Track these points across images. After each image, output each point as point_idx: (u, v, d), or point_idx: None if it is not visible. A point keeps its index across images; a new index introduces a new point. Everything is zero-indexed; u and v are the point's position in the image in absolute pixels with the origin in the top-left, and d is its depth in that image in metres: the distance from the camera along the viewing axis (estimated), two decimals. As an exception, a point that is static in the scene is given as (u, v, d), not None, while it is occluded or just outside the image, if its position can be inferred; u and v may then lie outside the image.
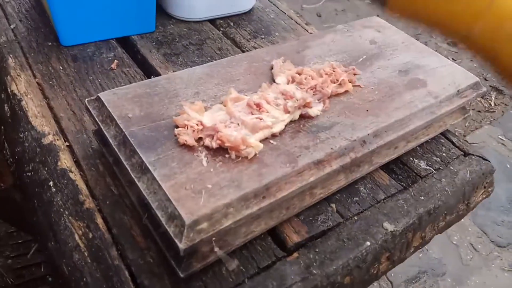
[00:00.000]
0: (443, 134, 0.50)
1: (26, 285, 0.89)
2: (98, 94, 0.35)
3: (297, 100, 0.36)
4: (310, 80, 0.40)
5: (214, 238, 0.28)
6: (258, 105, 0.35)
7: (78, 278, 0.34)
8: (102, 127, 0.34)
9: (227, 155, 0.32)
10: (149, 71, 0.53)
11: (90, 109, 0.35)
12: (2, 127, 0.48)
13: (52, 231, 0.38)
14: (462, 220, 0.49)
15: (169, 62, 0.54)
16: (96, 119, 0.35)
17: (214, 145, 0.32)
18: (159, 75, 0.52)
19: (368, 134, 0.36)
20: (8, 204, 0.73)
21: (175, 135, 0.33)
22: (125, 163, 0.31)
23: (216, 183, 0.30)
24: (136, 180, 0.30)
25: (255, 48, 0.60)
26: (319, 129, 0.36)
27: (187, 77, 0.39)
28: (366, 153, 0.36)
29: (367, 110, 0.39)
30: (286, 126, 0.36)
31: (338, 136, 0.35)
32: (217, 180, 0.30)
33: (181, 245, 0.26)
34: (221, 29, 0.64)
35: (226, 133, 0.32)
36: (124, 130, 0.32)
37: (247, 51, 0.59)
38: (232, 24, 0.65)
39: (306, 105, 0.36)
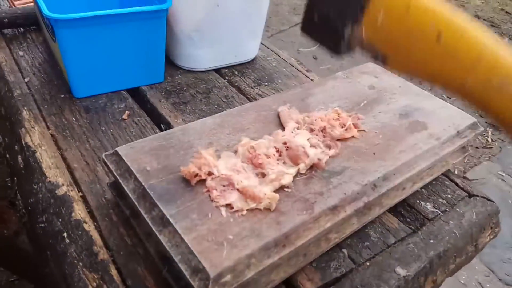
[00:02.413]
0: (446, 175, 0.51)
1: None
2: (116, 149, 0.37)
3: (308, 158, 0.37)
4: (319, 121, 0.41)
5: (238, 290, 0.29)
6: (260, 165, 0.36)
7: (92, 333, 0.34)
8: (120, 181, 0.35)
9: (244, 206, 0.33)
10: (158, 120, 0.55)
11: (108, 163, 0.36)
12: (15, 178, 0.49)
13: (65, 283, 0.38)
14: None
15: (178, 111, 0.56)
16: (114, 173, 0.36)
17: (232, 197, 0.32)
18: (169, 123, 0.54)
19: (378, 178, 0.37)
20: (11, 252, 0.72)
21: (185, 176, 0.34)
22: (145, 216, 0.32)
23: (237, 234, 0.30)
24: (157, 233, 0.31)
25: (259, 95, 0.62)
26: (331, 174, 0.37)
27: (200, 128, 0.41)
28: (377, 197, 0.37)
29: (374, 154, 0.40)
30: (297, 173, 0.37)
31: (350, 180, 0.36)
32: (238, 230, 0.30)
33: None
34: (226, 77, 0.66)
35: (245, 184, 0.33)
36: (143, 184, 0.33)
37: (252, 98, 0.61)
38: (236, 72, 0.68)
39: (316, 165, 0.38)
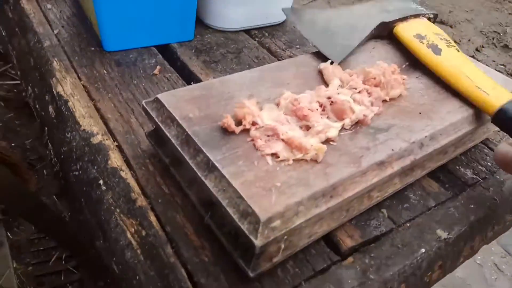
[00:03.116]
0: (485, 143, 0.49)
1: (47, 293, 0.88)
2: (157, 96, 0.36)
3: (353, 113, 0.36)
4: (374, 73, 0.40)
5: (285, 237, 0.28)
6: (304, 117, 0.35)
7: (130, 277, 0.34)
8: (162, 127, 0.34)
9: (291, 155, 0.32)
10: (189, 77, 0.54)
11: (149, 110, 0.36)
12: (46, 128, 0.49)
13: (101, 230, 0.37)
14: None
15: (209, 69, 0.55)
16: (156, 119, 0.35)
17: (278, 147, 0.31)
18: (200, 80, 0.53)
19: (425, 137, 0.36)
20: (36, 209, 0.73)
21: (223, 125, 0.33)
22: (189, 161, 0.31)
23: (285, 182, 0.29)
24: (203, 178, 0.30)
25: (291, 57, 0.60)
26: (377, 131, 0.36)
27: (240, 80, 0.39)
28: (423, 156, 0.36)
29: (420, 113, 0.38)
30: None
31: (396, 137, 0.35)
32: (285, 178, 0.30)
33: (257, 242, 0.26)
34: (256, 39, 0.64)
35: (290, 134, 0.32)
36: (187, 130, 0.32)
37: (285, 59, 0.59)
38: (267, 34, 0.66)
39: (361, 121, 0.36)
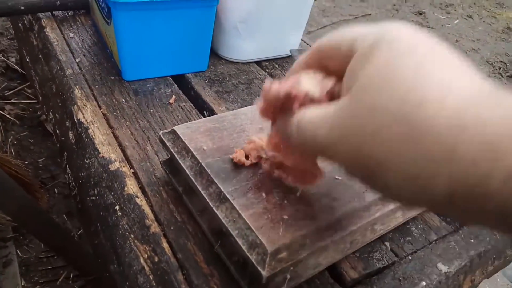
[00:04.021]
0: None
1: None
2: (174, 128, 0.38)
3: None
4: None
5: (291, 268, 0.29)
6: None
7: (142, 301, 0.35)
8: (177, 158, 0.36)
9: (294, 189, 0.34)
10: (202, 107, 0.57)
11: (165, 141, 0.38)
12: (65, 153, 0.51)
13: (115, 254, 0.39)
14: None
15: (221, 99, 0.58)
16: (171, 150, 0.37)
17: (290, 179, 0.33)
18: (212, 110, 0.55)
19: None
20: (48, 228, 0.74)
21: (234, 159, 0.35)
22: (202, 192, 0.33)
23: (292, 215, 0.31)
24: (214, 209, 0.32)
25: (300, 89, 0.63)
26: (380, 167, 0.38)
27: (251, 113, 0.42)
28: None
29: None
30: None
31: (399, 175, 0.37)
32: (292, 211, 0.31)
33: (264, 273, 0.28)
34: (267, 70, 0.67)
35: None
36: (200, 161, 0.35)
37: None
38: (277, 66, 0.69)
39: None
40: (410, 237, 0.41)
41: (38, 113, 1.48)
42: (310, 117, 0.25)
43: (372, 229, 0.36)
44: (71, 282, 0.94)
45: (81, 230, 1.05)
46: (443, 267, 0.39)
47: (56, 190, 1.19)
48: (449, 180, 0.18)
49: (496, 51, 2.52)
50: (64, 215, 1.10)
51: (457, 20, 2.83)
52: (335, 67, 0.26)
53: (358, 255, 0.39)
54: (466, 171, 0.18)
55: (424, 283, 0.37)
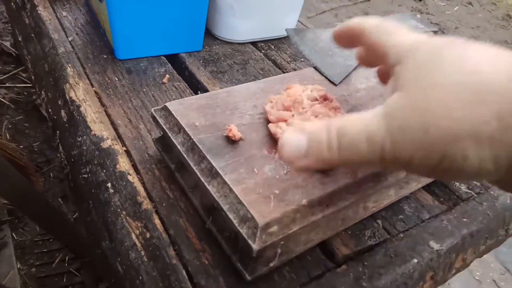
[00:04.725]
0: (481, 160, 0.51)
1: (49, 293, 0.90)
2: (165, 104, 0.37)
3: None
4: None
5: (282, 242, 0.29)
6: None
7: (133, 277, 0.35)
8: (169, 134, 0.36)
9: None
10: (196, 87, 0.56)
11: (157, 117, 0.37)
12: (58, 131, 0.51)
13: (107, 231, 0.39)
14: (485, 255, 0.49)
15: (215, 79, 0.57)
16: (163, 126, 0.37)
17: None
18: (207, 90, 0.55)
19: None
20: (44, 211, 0.74)
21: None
22: (194, 168, 0.33)
23: (283, 190, 0.31)
24: (206, 184, 0.32)
25: (295, 70, 0.62)
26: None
27: (245, 91, 0.41)
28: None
29: None
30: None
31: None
32: (284, 186, 0.31)
33: (255, 246, 0.27)
34: (262, 51, 0.67)
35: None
36: (192, 137, 0.34)
37: (289, 72, 0.61)
38: (272, 47, 0.68)
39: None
40: (403, 215, 0.41)
41: (33, 97, 1.47)
42: (352, 120, 0.24)
43: (364, 206, 0.36)
44: (66, 264, 0.94)
45: (77, 213, 1.05)
46: (435, 245, 0.39)
47: (51, 174, 1.19)
48: None
49: (495, 38, 2.51)
50: (60, 199, 1.10)
51: (457, 7, 2.81)
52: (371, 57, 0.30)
53: (350, 232, 0.39)
54: None
55: (416, 260, 0.37)
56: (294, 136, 0.25)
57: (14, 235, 0.99)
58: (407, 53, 0.24)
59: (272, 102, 0.39)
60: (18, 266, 0.92)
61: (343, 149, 0.23)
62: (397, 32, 0.27)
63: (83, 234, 0.83)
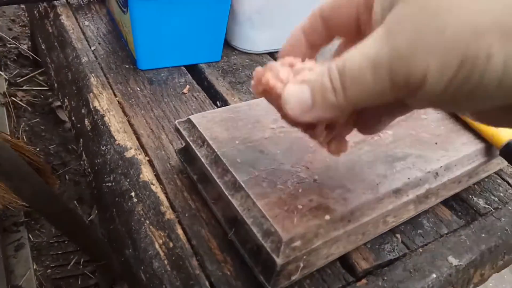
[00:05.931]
0: (498, 174, 0.51)
1: (65, 295, 0.91)
2: (189, 117, 0.38)
3: None
4: None
5: (304, 257, 0.30)
6: None
7: (157, 286, 0.36)
8: (193, 147, 0.37)
9: (312, 178, 0.34)
10: (215, 97, 0.57)
11: (181, 130, 0.38)
12: (81, 140, 0.52)
13: (131, 239, 0.40)
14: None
15: (234, 90, 0.58)
16: (187, 139, 0.37)
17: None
18: (226, 101, 0.56)
19: (441, 167, 0.38)
20: (61, 213, 0.76)
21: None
22: (217, 180, 0.34)
23: (306, 205, 0.32)
24: (229, 197, 0.32)
25: (313, 81, 0.63)
26: (395, 159, 0.38)
27: (265, 104, 0.42)
28: (438, 185, 0.38)
29: (436, 144, 0.40)
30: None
31: (413, 167, 0.37)
32: (307, 201, 0.32)
33: (279, 260, 0.28)
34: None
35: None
36: (216, 151, 0.35)
37: (306, 83, 0.62)
38: (290, 58, 0.68)
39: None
40: (422, 230, 0.42)
41: (50, 100, 1.49)
42: (351, 53, 0.21)
43: (384, 221, 0.37)
44: (81, 267, 0.96)
45: (92, 216, 1.07)
46: (453, 260, 0.39)
47: (67, 176, 1.21)
48: None
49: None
50: (75, 201, 1.11)
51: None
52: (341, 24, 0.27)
53: (369, 246, 0.39)
54: None
55: (434, 275, 0.38)
56: (296, 88, 0.23)
57: (31, 237, 1.01)
58: None
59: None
60: (35, 267, 0.94)
61: (348, 88, 0.21)
62: None
63: (99, 237, 0.85)
